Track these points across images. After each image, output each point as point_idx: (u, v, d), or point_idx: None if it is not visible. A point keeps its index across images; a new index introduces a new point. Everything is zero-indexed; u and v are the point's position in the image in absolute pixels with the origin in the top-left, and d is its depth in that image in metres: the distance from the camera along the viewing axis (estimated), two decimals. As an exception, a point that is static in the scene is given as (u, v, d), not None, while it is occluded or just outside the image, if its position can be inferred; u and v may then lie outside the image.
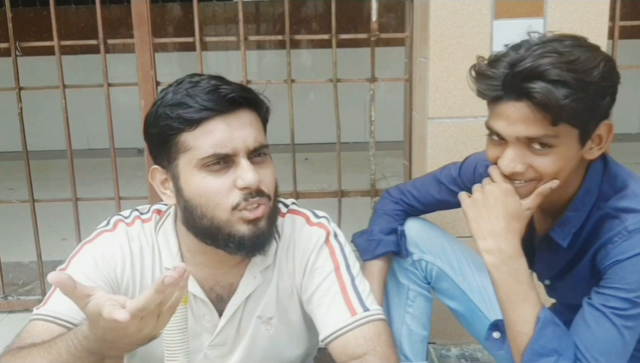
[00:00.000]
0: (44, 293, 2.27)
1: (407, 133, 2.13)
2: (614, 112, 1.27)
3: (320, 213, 1.34)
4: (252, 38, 2.09)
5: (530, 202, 1.20)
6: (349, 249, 1.31)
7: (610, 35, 1.96)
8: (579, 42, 1.14)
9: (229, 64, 5.33)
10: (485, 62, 1.18)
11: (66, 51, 2.08)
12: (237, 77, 2.09)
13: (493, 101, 1.17)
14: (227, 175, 1.12)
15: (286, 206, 1.34)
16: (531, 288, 1.19)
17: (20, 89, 2.11)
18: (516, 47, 1.16)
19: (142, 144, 2.07)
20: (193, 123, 1.11)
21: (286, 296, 1.29)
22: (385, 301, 1.62)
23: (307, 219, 1.31)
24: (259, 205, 1.14)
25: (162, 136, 1.14)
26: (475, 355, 1.91)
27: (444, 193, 1.60)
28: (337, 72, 2.05)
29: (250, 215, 1.13)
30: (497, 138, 1.19)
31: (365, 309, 1.22)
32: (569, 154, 1.16)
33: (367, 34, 2.02)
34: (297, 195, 2.16)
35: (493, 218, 1.20)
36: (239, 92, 1.13)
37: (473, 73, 1.20)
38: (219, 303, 1.26)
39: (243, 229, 1.14)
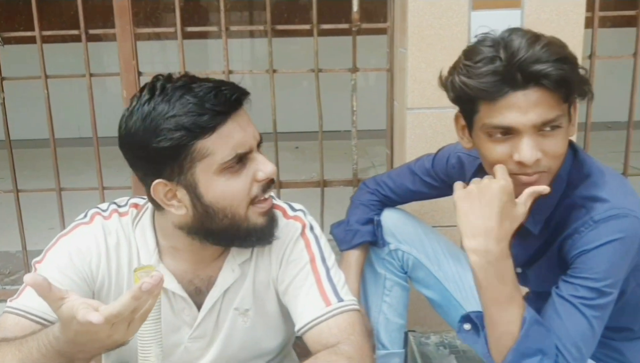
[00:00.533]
0: (29, 283, 2.29)
1: (389, 123, 2.14)
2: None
3: (297, 206, 1.36)
4: (233, 28, 2.08)
5: (524, 205, 1.19)
6: (324, 241, 1.33)
7: (590, 25, 1.98)
8: (529, 30, 1.19)
9: (217, 51, 5.34)
10: (467, 65, 1.16)
11: (55, 39, 2.09)
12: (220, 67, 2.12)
13: (494, 97, 1.15)
14: (245, 172, 1.16)
15: None
16: (516, 289, 1.19)
17: (3, 79, 2.11)
18: (490, 44, 1.16)
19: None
20: (209, 130, 1.10)
21: (263, 288, 1.31)
22: (362, 290, 1.65)
23: (284, 213, 1.33)
24: (269, 196, 1.20)
25: (173, 149, 1.11)
26: (454, 343, 1.94)
27: (418, 183, 1.62)
28: (325, 61, 2.05)
29: (265, 205, 1.19)
30: (502, 135, 1.17)
31: (340, 300, 1.24)
32: (566, 133, 1.19)
33: (349, 24, 2.03)
34: (280, 184, 2.17)
35: (486, 215, 1.16)
36: (238, 91, 1.15)
37: (462, 79, 1.17)
38: (198, 295, 1.28)
39: (260, 221, 1.19)
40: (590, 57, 2.05)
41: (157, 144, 1.10)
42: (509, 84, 1.12)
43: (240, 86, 1.17)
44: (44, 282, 0.92)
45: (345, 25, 2.06)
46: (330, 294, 1.25)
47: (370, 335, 1.47)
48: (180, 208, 1.17)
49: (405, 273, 1.63)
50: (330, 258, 1.31)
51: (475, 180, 1.21)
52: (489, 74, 1.13)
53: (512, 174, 1.19)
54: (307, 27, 2.05)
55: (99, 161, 2.18)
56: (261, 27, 2.09)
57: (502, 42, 1.15)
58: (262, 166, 1.16)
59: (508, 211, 1.16)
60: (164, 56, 5.26)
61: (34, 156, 3.76)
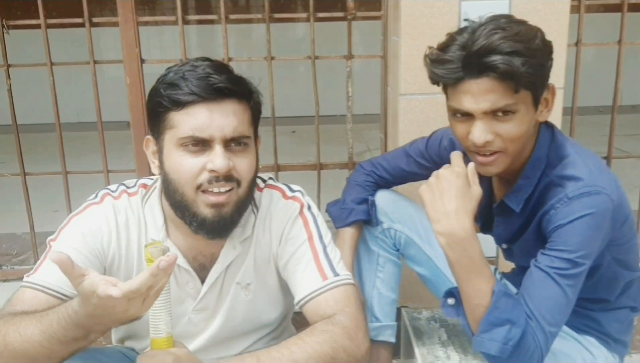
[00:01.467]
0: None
1: (383, 108, 2.21)
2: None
3: (295, 187, 1.45)
4: (233, 17, 2.15)
5: (475, 184, 1.31)
6: (321, 220, 1.42)
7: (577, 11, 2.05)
8: (511, 19, 1.28)
9: (216, 36, 5.38)
10: (435, 50, 1.29)
11: (56, 24, 2.14)
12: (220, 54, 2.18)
13: (453, 82, 1.27)
14: (201, 157, 1.22)
15: (264, 181, 1.44)
16: (484, 264, 1.29)
17: (9, 66, 2.18)
18: (460, 32, 1.27)
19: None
20: (180, 104, 1.20)
21: (263, 263, 1.40)
22: (356, 266, 1.73)
23: (283, 193, 1.42)
24: (225, 191, 1.23)
25: (154, 111, 1.25)
26: (444, 318, 2.02)
27: (412, 165, 1.70)
28: (321, 45, 2.12)
29: (212, 199, 1.23)
30: (461, 116, 1.30)
31: (336, 274, 1.33)
32: (527, 118, 1.29)
33: (344, 13, 2.10)
34: (278, 168, 2.25)
35: (446, 200, 1.29)
36: (227, 83, 1.21)
37: (428, 61, 1.30)
38: (202, 271, 1.37)
39: (206, 211, 1.24)
40: (576, 44, 2.13)
41: (148, 103, 1.28)
42: (465, 72, 1.24)
43: (234, 80, 1.23)
44: (67, 260, 0.99)
45: (340, 14, 2.13)
46: (327, 269, 1.34)
47: (364, 307, 1.56)
48: (156, 168, 1.30)
49: (398, 250, 1.72)
50: (327, 235, 1.40)
51: (434, 173, 1.34)
52: (449, 62, 1.25)
53: (471, 153, 1.34)
54: (303, 15, 2.12)
55: (104, 145, 2.25)
56: (259, 16, 2.16)
57: (469, 30, 1.26)
58: (214, 158, 1.20)
59: (464, 192, 1.29)
60: (164, 41, 5.31)
61: (32, 140, 3.82)
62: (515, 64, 1.20)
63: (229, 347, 1.43)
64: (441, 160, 1.59)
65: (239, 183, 1.25)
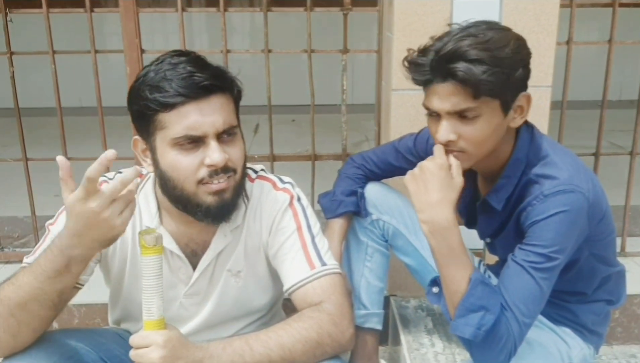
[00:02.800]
0: (37, 246, 2.43)
1: (377, 101, 2.26)
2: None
3: (285, 178, 1.50)
4: (231, 10, 2.19)
5: (458, 175, 1.37)
6: (310, 211, 1.47)
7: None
8: (492, 26, 1.34)
9: (214, 24, 5.38)
10: (416, 53, 1.36)
11: (59, 13, 2.18)
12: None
13: (426, 84, 1.36)
14: (197, 153, 1.26)
15: (255, 172, 1.49)
16: (463, 253, 1.35)
17: (12, 54, 2.23)
18: (440, 38, 1.33)
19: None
20: (168, 106, 1.24)
21: (254, 252, 1.45)
22: (346, 256, 1.79)
23: (274, 185, 1.47)
24: (224, 180, 1.29)
25: (141, 113, 1.28)
26: (431, 307, 2.09)
27: (401, 160, 1.76)
28: (319, 34, 2.14)
29: (214, 187, 1.28)
30: (433, 115, 1.38)
31: (323, 264, 1.39)
32: (493, 123, 1.35)
33: (340, 8, 2.14)
34: (273, 158, 2.31)
35: (430, 191, 1.35)
36: (212, 80, 1.25)
37: (406, 64, 1.38)
38: (194, 257, 1.43)
39: (209, 199, 1.30)
40: (567, 42, 2.17)
41: (132, 106, 1.30)
42: (433, 75, 1.33)
43: (217, 75, 1.27)
44: (68, 168, 1.13)
45: (336, 9, 2.16)
46: (314, 259, 1.40)
47: (350, 295, 1.62)
48: (148, 166, 1.34)
49: (386, 241, 1.77)
50: (316, 226, 1.46)
51: (418, 164, 1.39)
52: (421, 65, 1.34)
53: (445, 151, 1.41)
54: (300, 9, 2.17)
55: (104, 134, 2.30)
56: (257, 9, 2.20)
57: (449, 34, 1.32)
58: (211, 153, 1.25)
59: (446, 183, 1.35)
60: (164, 27, 5.33)
61: (35, 124, 3.86)
62: (474, 72, 1.27)
63: (220, 331, 1.49)
64: (427, 156, 1.65)
65: (234, 171, 1.31)
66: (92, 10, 2.16)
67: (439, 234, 1.33)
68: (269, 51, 2.18)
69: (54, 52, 2.21)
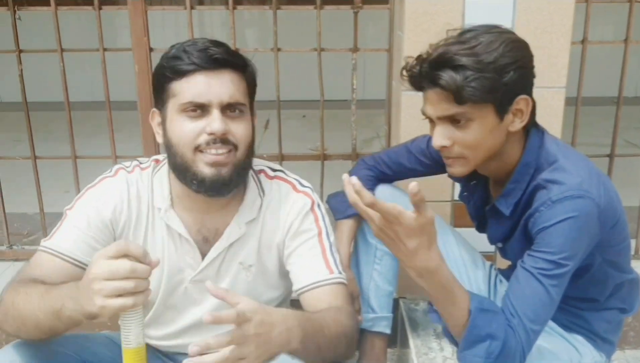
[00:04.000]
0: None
1: (388, 101, 2.24)
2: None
3: (305, 182, 1.52)
4: (240, 8, 2.17)
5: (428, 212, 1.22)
6: (327, 219, 1.50)
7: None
8: (489, 30, 1.32)
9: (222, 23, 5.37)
10: (414, 61, 1.36)
11: (68, 3, 2.18)
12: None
13: (420, 90, 1.37)
14: (200, 121, 1.31)
15: (274, 170, 1.51)
16: (457, 287, 1.28)
17: (20, 52, 2.22)
18: (436, 45, 1.34)
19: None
20: (181, 73, 1.30)
21: (267, 248, 1.47)
22: (354, 258, 1.77)
23: (294, 187, 1.49)
24: (223, 153, 1.32)
25: (158, 83, 1.35)
26: (440, 310, 2.06)
27: (414, 162, 1.74)
28: (329, 30, 2.11)
29: (212, 158, 1.31)
30: (430, 121, 1.40)
31: (339, 272, 1.43)
32: (488, 127, 1.34)
33: (351, 6, 2.11)
34: (282, 157, 2.29)
35: (403, 240, 1.20)
36: (224, 54, 1.31)
37: (404, 73, 1.39)
38: (204, 244, 1.45)
39: (205, 170, 1.32)
40: (582, 42, 2.13)
41: (153, 79, 1.37)
42: (424, 83, 1.34)
43: (231, 52, 1.34)
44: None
45: (347, 7, 2.14)
46: (332, 265, 1.44)
47: (352, 303, 1.61)
48: (160, 138, 1.39)
49: None
50: (332, 235, 1.49)
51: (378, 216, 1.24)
52: (414, 73, 1.36)
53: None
54: (310, 7, 2.14)
55: (112, 131, 2.30)
56: (267, 7, 2.18)
57: (440, 42, 1.33)
58: (212, 122, 1.30)
59: (414, 228, 1.19)
60: (172, 25, 5.33)
61: (46, 118, 3.87)
62: (455, 79, 1.27)
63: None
64: (441, 158, 1.63)
65: (236, 147, 1.34)
66: (100, 8, 2.15)
67: (427, 277, 1.25)
68: (279, 50, 2.16)
69: (62, 50, 2.20)
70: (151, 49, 2.16)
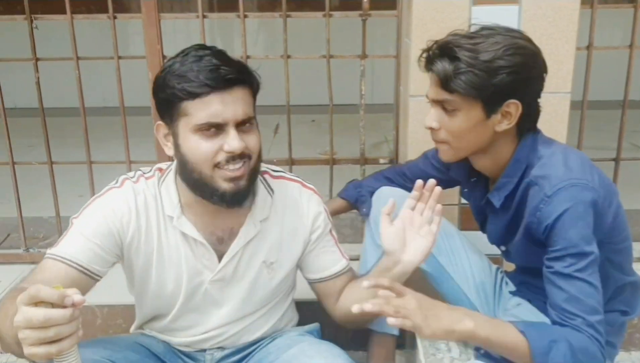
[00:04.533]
0: (62, 247, 2.48)
1: (396, 106, 2.28)
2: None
3: (308, 184, 1.60)
4: (251, 15, 2.21)
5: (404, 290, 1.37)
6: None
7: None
8: (500, 31, 1.38)
9: (232, 29, 5.42)
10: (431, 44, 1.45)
11: (82, 11, 2.23)
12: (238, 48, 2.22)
13: (427, 72, 1.46)
14: (217, 140, 1.33)
15: (275, 171, 1.58)
16: (497, 322, 1.36)
17: (37, 60, 2.28)
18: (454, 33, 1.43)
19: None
20: (194, 95, 1.31)
21: (288, 244, 1.56)
22: (363, 258, 1.86)
23: (302, 184, 1.58)
24: (240, 168, 1.36)
25: (167, 101, 1.35)
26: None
27: (428, 166, 1.81)
28: (341, 35, 2.15)
29: (230, 174, 1.35)
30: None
31: (347, 258, 1.60)
32: (472, 121, 1.40)
33: (359, 13, 2.15)
34: (292, 161, 2.33)
35: (432, 319, 1.31)
36: (236, 73, 1.33)
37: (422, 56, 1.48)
38: (220, 244, 1.49)
39: (225, 185, 1.36)
40: (587, 48, 2.16)
41: (159, 94, 1.37)
42: (427, 65, 1.44)
43: (241, 69, 1.35)
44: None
45: (355, 14, 2.18)
46: (343, 253, 1.60)
47: None
48: (170, 149, 1.42)
49: None
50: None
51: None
52: (425, 53, 1.46)
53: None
54: (319, 15, 2.18)
55: (127, 138, 2.35)
56: (277, 15, 2.23)
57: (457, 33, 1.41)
58: (230, 141, 1.33)
59: (430, 301, 1.37)
60: (185, 31, 5.39)
61: (57, 125, 3.92)
62: (446, 69, 1.36)
63: (249, 317, 1.58)
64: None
65: (250, 157, 1.38)
66: (114, 17, 2.20)
67: (466, 335, 1.32)
68: (288, 57, 2.20)
69: (78, 58, 2.25)
70: (164, 57, 2.20)
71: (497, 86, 1.35)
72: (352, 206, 1.95)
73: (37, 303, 0.96)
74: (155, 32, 2.17)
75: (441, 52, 1.38)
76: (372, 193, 1.83)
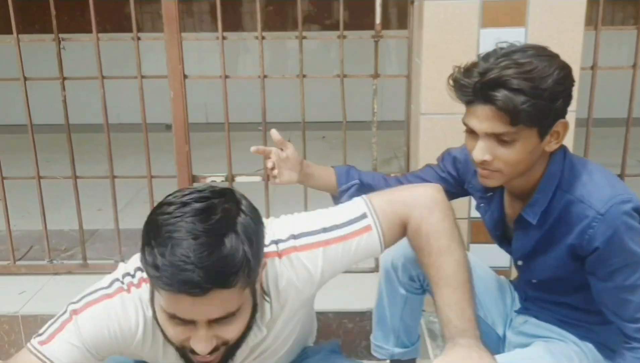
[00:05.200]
0: (84, 258, 2.58)
1: (407, 124, 2.36)
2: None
3: (271, 236, 1.32)
4: (268, 37, 2.31)
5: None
6: (299, 215, 1.38)
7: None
8: (539, 52, 1.37)
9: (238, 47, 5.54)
10: (461, 70, 1.41)
11: (104, 29, 2.34)
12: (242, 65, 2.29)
13: (467, 102, 1.42)
14: (185, 328, 1.14)
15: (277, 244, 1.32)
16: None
17: (64, 79, 2.38)
18: (486, 58, 1.38)
19: (170, 120, 2.34)
20: (161, 287, 1.09)
21: (296, 312, 1.36)
22: (379, 302, 1.82)
23: (276, 254, 1.30)
24: (212, 357, 1.18)
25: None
26: (458, 322, 2.15)
27: (439, 174, 1.77)
28: (354, 52, 2.21)
29: (200, 359, 1.18)
30: (469, 133, 1.44)
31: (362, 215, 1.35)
32: (529, 148, 1.39)
33: (372, 35, 2.25)
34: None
35: None
36: (209, 282, 1.06)
37: (451, 82, 1.43)
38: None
39: (195, 360, 1.20)
40: (592, 68, 2.24)
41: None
42: (475, 97, 1.37)
43: (219, 273, 1.07)
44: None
45: (368, 33, 2.27)
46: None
47: None
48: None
49: (425, 289, 1.76)
50: (318, 220, 1.34)
51: None
52: (464, 86, 1.38)
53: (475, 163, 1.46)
54: (333, 36, 2.28)
55: (148, 153, 2.45)
56: (293, 37, 2.33)
57: (494, 56, 1.37)
58: (197, 341, 1.13)
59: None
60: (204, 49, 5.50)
61: (78, 140, 4.03)
62: (515, 102, 1.31)
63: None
64: (457, 173, 1.73)
65: (226, 343, 1.19)
66: (138, 38, 2.31)
67: None
68: (304, 76, 2.30)
69: (103, 77, 2.35)
70: (185, 76, 2.30)
71: (556, 110, 1.37)
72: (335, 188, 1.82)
73: None
74: (177, 53, 2.27)
75: (495, 84, 1.32)
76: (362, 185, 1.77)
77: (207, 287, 1.06)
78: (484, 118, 1.37)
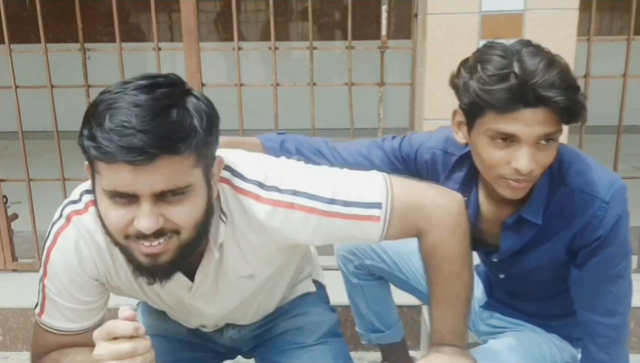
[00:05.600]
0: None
1: (410, 128, 2.51)
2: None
3: (269, 180, 1.24)
4: (281, 47, 2.47)
5: None
6: (310, 168, 1.31)
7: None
8: (537, 50, 1.27)
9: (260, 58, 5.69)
10: (481, 78, 1.26)
11: (124, 39, 2.46)
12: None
13: (504, 111, 1.24)
14: (129, 209, 1.06)
15: (243, 179, 1.25)
16: None
17: (89, 87, 2.53)
18: (505, 56, 1.25)
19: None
20: (101, 159, 1.03)
21: (258, 257, 1.31)
22: (349, 297, 1.93)
23: (257, 198, 1.23)
24: (158, 244, 1.10)
25: (85, 153, 1.06)
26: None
27: (386, 162, 1.61)
28: (361, 59, 2.35)
29: (145, 249, 1.10)
30: (502, 141, 1.26)
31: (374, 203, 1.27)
32: (557, 145, 1.31)
33: (378, 47, 2.40)
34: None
35: None
36: (156, 146, 0.99)
37: (476, 90, 1.26)
38: (187, 265, 1.25)
39: (141, 258, 1.12)
40: (585, 77, 2.38)
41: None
42: (521, 102, 1.22)
43: (168, 137, 1.00)
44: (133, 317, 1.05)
45: (374, 44, 2.43)
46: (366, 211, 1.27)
47: None
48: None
49: (378, 277, 1.85)
50: (325, 186, 1.24)
51: None
52: (502, 91, 1.22)
53: (502, 178, 1.30)
54: (342, 46, 2.43)
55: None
56: (304, 47, 2.48)
57: (515, 57, 1.24)
58: (140, 219, 1.05)
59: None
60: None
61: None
62: (574, 99, 1.22)
63: (250, 304, 1.47)
64: (417, 172, 1.57)
65: (177, 232, 1.10)
66: (159, 48, 2.45)
67: None
68: (314, 84, 2.45)
69: (125, 84, 2.49)
70: (203, 85, 2.45)
71: None
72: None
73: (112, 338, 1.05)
74: (196, 62, 2.41)
75: (546, 87, 1.20)
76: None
77: (152, 152, 0.99)
78: (535, 122, 1.22)
